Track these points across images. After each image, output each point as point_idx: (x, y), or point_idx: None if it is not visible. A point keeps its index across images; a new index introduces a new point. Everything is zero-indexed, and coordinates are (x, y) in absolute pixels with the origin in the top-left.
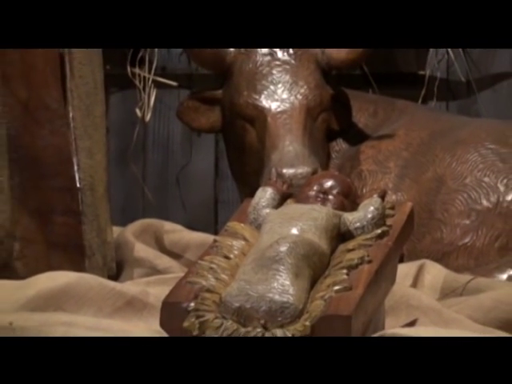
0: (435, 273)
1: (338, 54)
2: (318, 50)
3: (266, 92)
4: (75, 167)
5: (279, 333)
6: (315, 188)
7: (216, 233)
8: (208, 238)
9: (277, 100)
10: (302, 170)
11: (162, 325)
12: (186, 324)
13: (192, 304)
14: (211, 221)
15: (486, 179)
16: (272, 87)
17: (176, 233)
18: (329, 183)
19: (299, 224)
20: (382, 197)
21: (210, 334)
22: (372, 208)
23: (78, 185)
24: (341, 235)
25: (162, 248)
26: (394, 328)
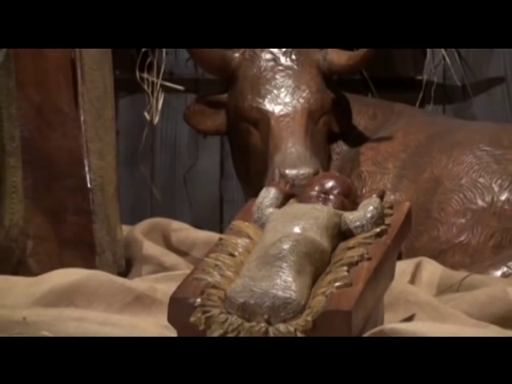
0: (432, 270)
1: (339, 59)
2: (319, 56)
3: (269, 96)
4: (86, 168)
5: (282, 327)
6: (317, 188)
7: (221, 231)
8: (214, 236)
9: (280, 104)
10: (304, 170)
11: (170, 320)
12: (192, 319)
13: (198, 300)
14: (217, 219)
15: (481, 180)
16: (275, 91)
17: (183, 231)
18: (330, 184)
19: (301, 223)
20: (381, 197)
21: (215, 328)
22: (371, 207)
23: (88, 185)
24: (341, 234)
25: (170, 246)
26: (392, 323)
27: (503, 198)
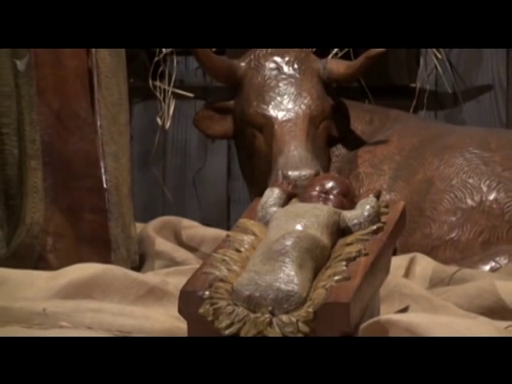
0: (425, 264)
1: (338, 68)
2: (319, 65)
3: (273, 102)
4: (102, 170)
5: (285, 318)
6: (317, 188)
7: (228, 229)
8: (221, 233)
9: (283, 110)
10: (306, 172)
11: (180, 311)
12: (201, 310)
13: (207, 292)
14: (224, 218)
15: (471, 180)
16: (279, 98)
17: (193, 228)
18: (329, 184)
19: (303, 221)
20: (378, 196)
21: (222, 319)
22: (368, 206)
23: (104, 185)
24: (340, 231)
25: (180, 242)
26: (388, 314)
27: (491, 197)
